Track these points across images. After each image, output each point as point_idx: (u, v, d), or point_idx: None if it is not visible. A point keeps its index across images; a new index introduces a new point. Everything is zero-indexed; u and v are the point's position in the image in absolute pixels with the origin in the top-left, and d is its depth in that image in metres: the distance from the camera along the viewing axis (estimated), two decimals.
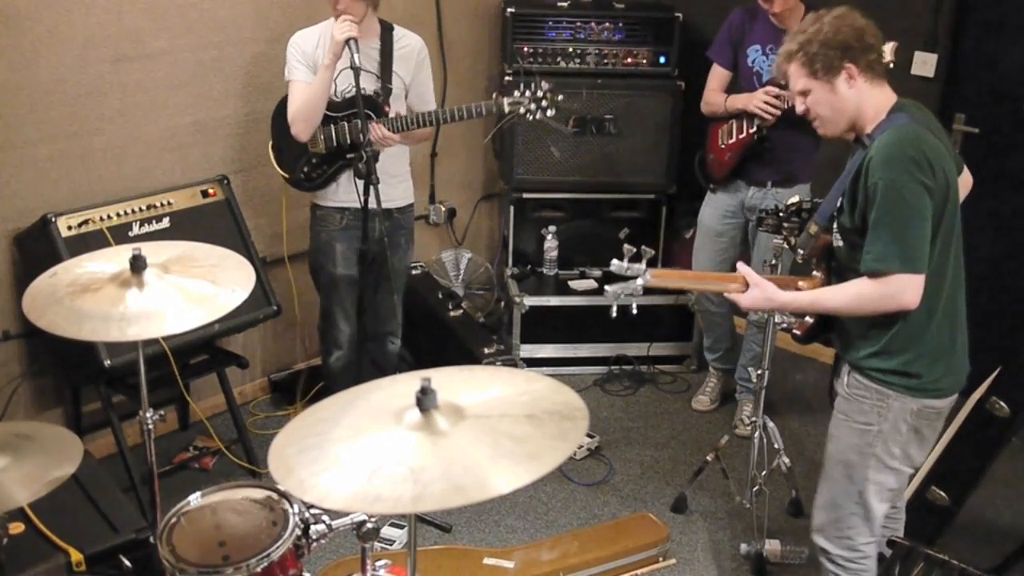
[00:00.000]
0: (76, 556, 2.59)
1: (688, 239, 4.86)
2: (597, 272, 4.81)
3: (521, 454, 1.65)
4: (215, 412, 4.06)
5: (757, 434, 3.45)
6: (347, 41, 3.21)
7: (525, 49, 4.56)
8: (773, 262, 3.27)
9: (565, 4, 4.61)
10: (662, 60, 4.63)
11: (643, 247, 2.64)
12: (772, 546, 3.36)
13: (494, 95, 3.56)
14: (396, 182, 3.62)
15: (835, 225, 2.56)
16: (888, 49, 2.91)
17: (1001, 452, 3.18)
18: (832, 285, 2.61)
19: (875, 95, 2.47)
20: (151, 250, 2.45)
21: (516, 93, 3.53)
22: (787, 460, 3.53)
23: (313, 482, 1.65)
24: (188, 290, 2.38)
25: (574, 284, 4.74)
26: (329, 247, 3.65)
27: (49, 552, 2.58)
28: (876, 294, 2.40)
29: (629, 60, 4.62)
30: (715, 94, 3.97)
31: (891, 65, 2.89)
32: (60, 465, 2.20)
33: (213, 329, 3.44)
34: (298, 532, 2.17)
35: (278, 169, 3.63)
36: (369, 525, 2.14)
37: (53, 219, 3.33)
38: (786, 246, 3.15)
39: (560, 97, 3.54)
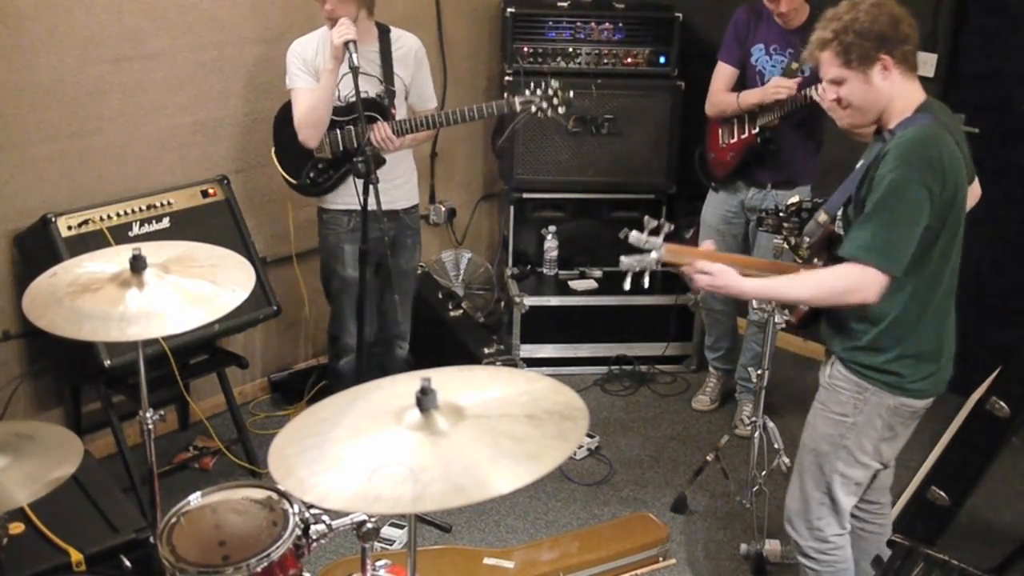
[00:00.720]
0: (76, 556, 2.58)
1: (688, 239, 4.86)
2: (597, 272, 4.81)
3: (521, 454, 1.65)
4: (215, 412, 4.06)
5: (757, 434, 3.46)
6: (346, 44, 3.21)
7: (525, 49, 4.56)
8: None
9: (565, 4, 4.61)
10: (662, 60, 4.63)
11: (663, 221, 2.61)
12: (772, 546, 3.36)
13: (505, 95, 3.56)
14: (400, 183, 3.62)
15: (839, 213, 2.56)
16: None
17: (1001, 452, 3.17)
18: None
19: (906, 89, 2.42)
20: (151, 250, 2.45)
21: (527, 92, 3.53)
22: (787, 460, 3.53)
23: (313, 482, 1.65)
24: (188, 290, 2.38)
25: (574, 284, 4.74)
26: (339, 249, 3.64)
27: (49, 552, 2.58)
28: (840, 283, 2.38)
29: (629, 60, 4.62)
30: (724, 95, 3.92)
31: None
32: (60, 465, 2.20)
33: (213, 329, 3.44)
34: (298, 532, 2.17)
35: (284, 176, 3.63)
36: (369, 525, 2.14)
37: (53, 219, 3.33)
38: (786, 246, 3.15)
39: (571, 93, 3.52)
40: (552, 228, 4.84)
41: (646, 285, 2.63)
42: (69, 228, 3.35)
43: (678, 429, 4.26)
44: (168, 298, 2.34)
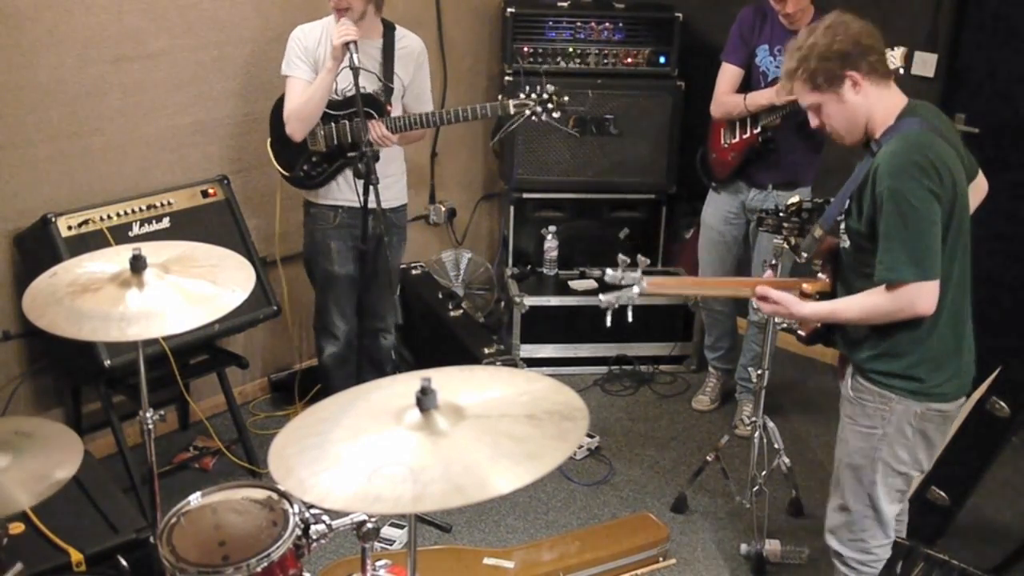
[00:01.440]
0: (76, 556, 2.58)
1: (688, 239, 4.86)
2: (597, 272, 4.77)
3: (521, 454, 1.65)
4: (215, 412, 4.06)
5: (757, 434, 3.45)
6: (346, 44, 3.21)
7: (525, 49, 4.56)
8: (773, 262, 3.27)
9: (565, 4, 4.61)
10: (662, 60, 4.63)
11: (639, 256, 2.68)
12: (772, 546, 3.36)
13: (499, 97, 3.55)
14: (391, 182, 3.62)
15: (842, 227, 2.55)
16: (898, 55, 2.91)
17: (1001, 452, 3.18)
18: (838, 287, 2.61)
19: (883, 97, 2.45)
20: (151, 250, 2.45)
21: (521, 95, 3.53)
22: (787, 460, 3.53)
23: (313, 482, 1.65)
24: (188, 290, 2.38)
25: (574, 284, 4.74)
26: (325, 246, 3.65)
27: (49, 552, 2.58)
28: (891, 304, 2.39)
29: (629, 60, 4.62)
30: (730, 96, 3.90)
31: (901, 71, 2.89)
32: (60, 465, 2.20)
33: (213, 329, 3.44)
34: (298, 532, 2.17)
35: (278, 167, 3.63)
36: (369, 525, 2.14)
37: (53, 219, 3.33)
38: (786, 246, 3.15)
39: (566, 98, 3.53)
40: (552, 228, 4.84)
41: (630, 319, 2.71)
42: (69, 228, 3.35)
43: (678, 429, 4.26)
44: (168, 298, 2.34)
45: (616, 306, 2.66)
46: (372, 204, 3.15)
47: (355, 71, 3.19)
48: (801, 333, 2.79)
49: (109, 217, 3.45)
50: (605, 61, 4.61)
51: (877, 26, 2.48)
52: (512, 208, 4.81)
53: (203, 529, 2.20)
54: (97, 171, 3.60)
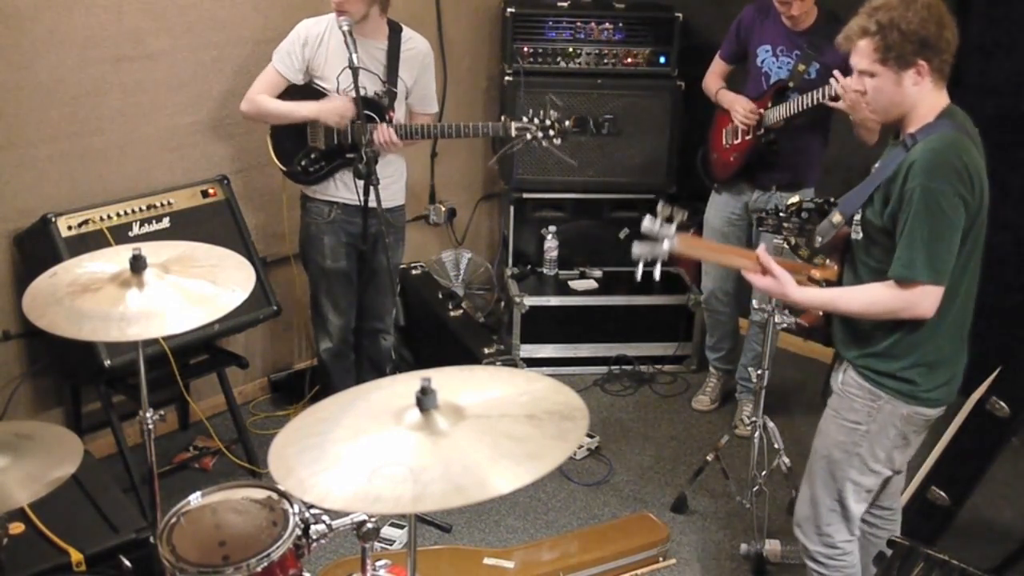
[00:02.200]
0: (76, 556, 2.58)
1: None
2: (597, 272, 4.81)
3: (521, 454, 1.65)
4: (215, 412, 4.06)
5: (757, 434, 3.45)
6: (345, 42, 3.22)
7: (525, 49, 4.56)
8: None
9: (565, 4, 4.61)
10: (662, 60, 4.63)
11: (676, 208, 2.56)
12: (772, 546, 3.36)
13: (502, 118, 3.56)
14: (388, 183, 3.62)
15: (856, 217, 2.52)
16: None
17: (1001, 452, 3.17)
18: (845, 277, 2.59)
19: (933, 97, 2.39)
20: (151, 250, 2.45)
21: (524, 119, 3.53)
22: (787, 460, 3.53)
23: (313, 482, 1.65)
24: (188, 290, 2.38)
25: (574, 284, 4.74)
26: (318, 240, 3.67)
27: (49, 552, 2.58)
28: (895, 301, 2.37)
29: (629, 60, 4.62)
30: (713, 78, 4.03)
31: None
32: (60, 465, 2.20)
33: (213, 329, 3.44)
34: (298, 532, 2.17)
35: (275, 160, 3.64)
36: (369, 525, 2.14)
37: (53, 219, 3.33)
38: (786, 246, 3.15)
39: (568, 123, 3.53)
40: (552, 228, 4.83)
41: (657, 276, 2.59)
42: (69, 228, 3.35)
43: (678, 429, 4.26)
44: (168, 298, 2.34)
45: (648, 259, 2.55)
46: (372, 204, 3.16)
47: (355, 71, 3.19)
48: (803, 322, 2.78)
49: (109, 217, 3.45)
50: (605, 61, 4.61)
51: None
52: (512, 208, 4.81)
53: (203, 529, 2.20)
54: (97, 171, 3.60)
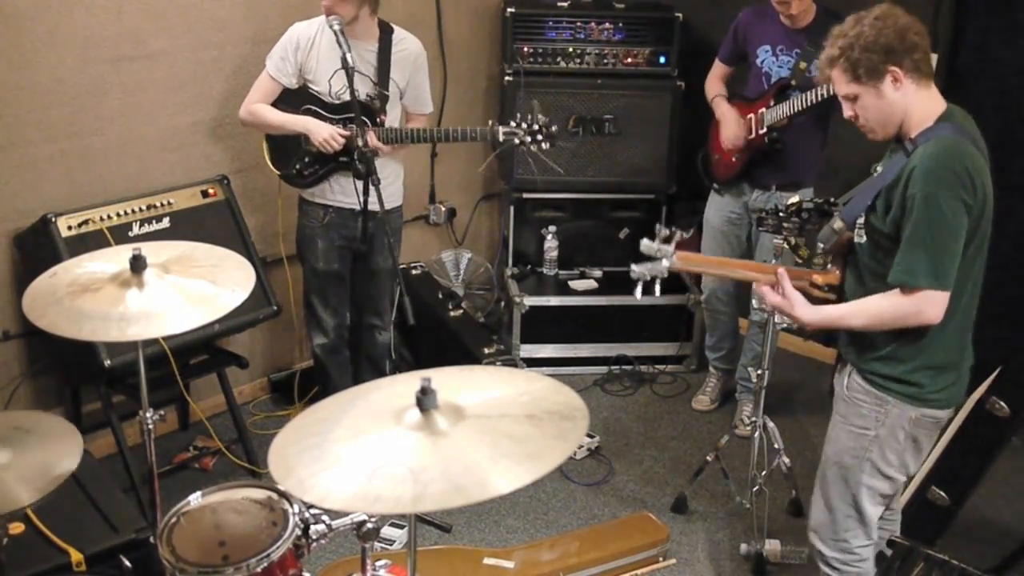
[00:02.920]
0: (76, 556, 2.58)
1: (688, 239, 4.85)
2: (597, 272, 4.81)
3: (521, 454, 1.65)
4: (215, 412, 4.06)
5: (757, 434, 3.45)
6: (337, 41, 3.21)
7: (525, 49, 4.56)
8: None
9: (565, 4, 4.61)
10: (662, 60, 4.63)
11: (673, 228, 2.62)
12: (772, 546, 3.36)
13: (490, 123, 3.55)
14: (385, 184, 3.61)
15: (859, 222, 2.52)
16: None
17: (1001, 452, 3.17)
18: (847, 282, 2.59)
19: (922, 97, 2.40)
20: (151, 250, 2.45)
21: (512, 123, 3.53)
22: (787, 460, 3.53)
23: (313, 482, 1.65)
24: (188, 290, 2.38)
25: (574, 284, 4.74)
26: (312, 242, 3.69)
27: (49, 552, 2.58)
28: (899, 310, 2.38)
29: (629, 60, 4.62)
30: (713, 81, 4.04)
31: None
32: (61, 460, 2.19)
33: (213, 329, 3.44)
34: (298, 532, 2.17)
35: (269, 164, 3.65)
36: (369, 525, 2.14)
37: (53, 219, 3.33)
38: (786, 246, 3.15)
39: (554, 128, 3.52)
40: (552, 228, 4.83)
41: (657, 292, 2.64)
42: (69, 228, 3.35)
43: (678, 429, 4.26)
44: (168, 298, 2.34)
45: (648, 278, 2.61)
46: (373, 204, 3.16)
47: (349, 72, 3.18)
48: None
49: (109, 217, 3.45)
50: (605, 61, 4.61)
51: None
52: (512, 208, 4.81)
53: (203, 529, 2.20)
54: (97, 171, 3.60)
